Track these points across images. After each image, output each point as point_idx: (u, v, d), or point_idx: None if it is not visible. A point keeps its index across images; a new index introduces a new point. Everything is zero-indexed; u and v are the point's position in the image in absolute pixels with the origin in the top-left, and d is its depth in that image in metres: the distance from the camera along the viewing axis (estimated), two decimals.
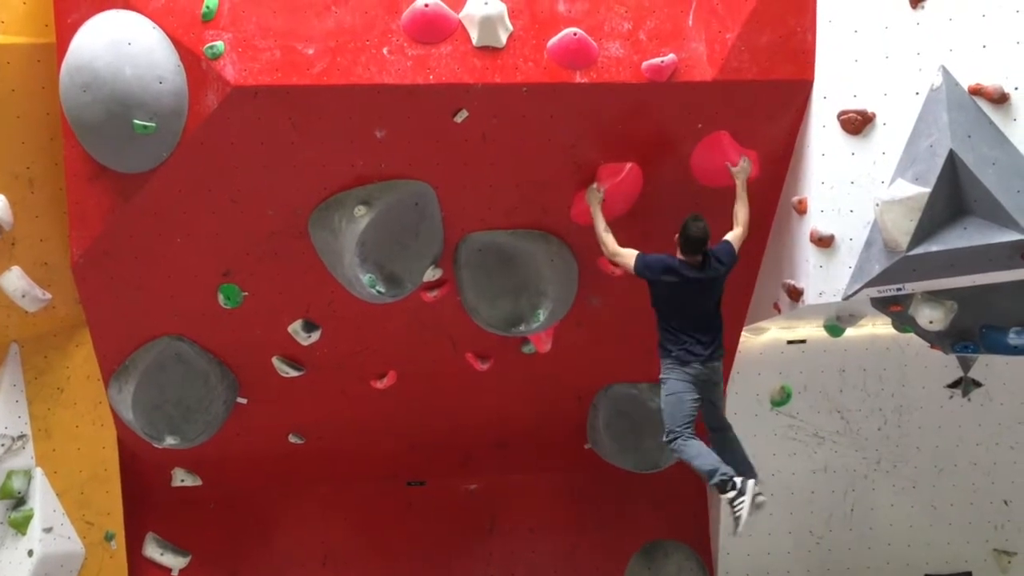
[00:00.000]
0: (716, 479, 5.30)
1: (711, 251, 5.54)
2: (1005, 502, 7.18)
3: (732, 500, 5.25)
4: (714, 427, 5.75)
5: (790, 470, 7.09)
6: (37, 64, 5.74)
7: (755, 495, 5.25)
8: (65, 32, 5.52)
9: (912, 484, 7.15)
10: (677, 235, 5.50)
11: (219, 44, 5.28)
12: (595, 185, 5.82)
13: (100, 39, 5.35)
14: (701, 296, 5.56)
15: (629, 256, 5.60)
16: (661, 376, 5.62)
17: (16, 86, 5.73)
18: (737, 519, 5.24)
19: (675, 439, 5.49)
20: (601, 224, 5.74)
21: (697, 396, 5.55)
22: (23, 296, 6.11)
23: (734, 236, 5.67)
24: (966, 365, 6.79)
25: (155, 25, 5.36)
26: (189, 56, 5.33)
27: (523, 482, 7.50)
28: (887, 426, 7.04)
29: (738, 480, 5.27)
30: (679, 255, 5.53)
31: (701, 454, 5.44)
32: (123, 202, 5.69)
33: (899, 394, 6.97)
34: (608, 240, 5.69)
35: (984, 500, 7.17)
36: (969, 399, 6.95)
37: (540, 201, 6.00)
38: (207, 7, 5.29)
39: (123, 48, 5.30)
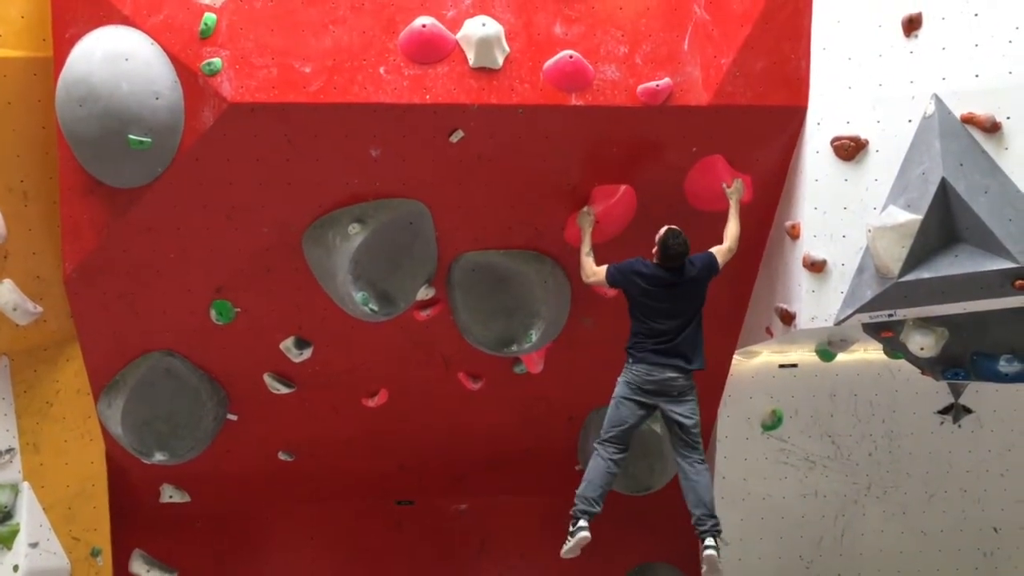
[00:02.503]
0: (575, 508, 5.43)
1: (689, 258, 5.52)
2: (995, 529, 7.18)
3: (570, 531, 5.40)
4: (681, 452, 5.51)
5: (780, 494, 7.07)
6: (34, 78, 5.75)
7: (582, 540, 5.36)
8: (63, 46, 5.53)
9: (902, 510, 7.15)
10: (656, 245, 5.49)
11: (216, 61, 5.29)
12: (587, 208, 5.83)
13: (97, 54, 5.36)
14: (672, 302, 5.47)
15: (601, 271, 5.64)
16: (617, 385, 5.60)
17: (12, 99, 5.73)
18: (568, 541, 5.41)
19: (598, 442, 5.56)
20: (586, 247, 5.76)
21: (639, 404, 5.46)
22: (14, 309, 6.08)
23: (719, 249, 5.66)
24: (957, 392, 6.81)
25: (153, 41, 5.38)
26: (186, 72, 5.35)
27: (513, 503, 7.47)
28: (878, 451, 7.04)
29: (583, 523, 5.37)
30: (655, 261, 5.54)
31: (591, 477, 5.48)
32: (117, 217, 5.69)
33: (890, 420, 6.98)
34: (587, 263, 5.72)
35: (974, 527, 7.16)
36: (960, 426, 6.96)
37: (534, 222, 6.01)
38: (205, 24, 5.31)
39: (120, 63, 5.31)
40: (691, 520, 5.43)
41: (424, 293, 6.14)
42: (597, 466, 5.51)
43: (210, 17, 5.31)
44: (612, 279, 5.61)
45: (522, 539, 7.47)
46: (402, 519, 7.43)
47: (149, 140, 5.37)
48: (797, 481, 7.08)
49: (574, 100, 5.48)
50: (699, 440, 5.53)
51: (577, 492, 5.49)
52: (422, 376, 6.64)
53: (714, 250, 5.66)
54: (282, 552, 7.29)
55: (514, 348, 6.28)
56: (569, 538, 5.41)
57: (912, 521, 7.16)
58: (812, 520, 7.14)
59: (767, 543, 7.08)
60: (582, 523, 5.39)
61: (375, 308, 5.90)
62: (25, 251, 6.05)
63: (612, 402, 5.56)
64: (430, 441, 7.00)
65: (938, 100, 5.27)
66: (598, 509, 5.44)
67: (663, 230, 5.52)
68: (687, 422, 5.47)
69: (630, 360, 5.54)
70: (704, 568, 5.38)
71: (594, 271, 5.70)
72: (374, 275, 5.88)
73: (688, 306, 5.53)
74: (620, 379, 5.55)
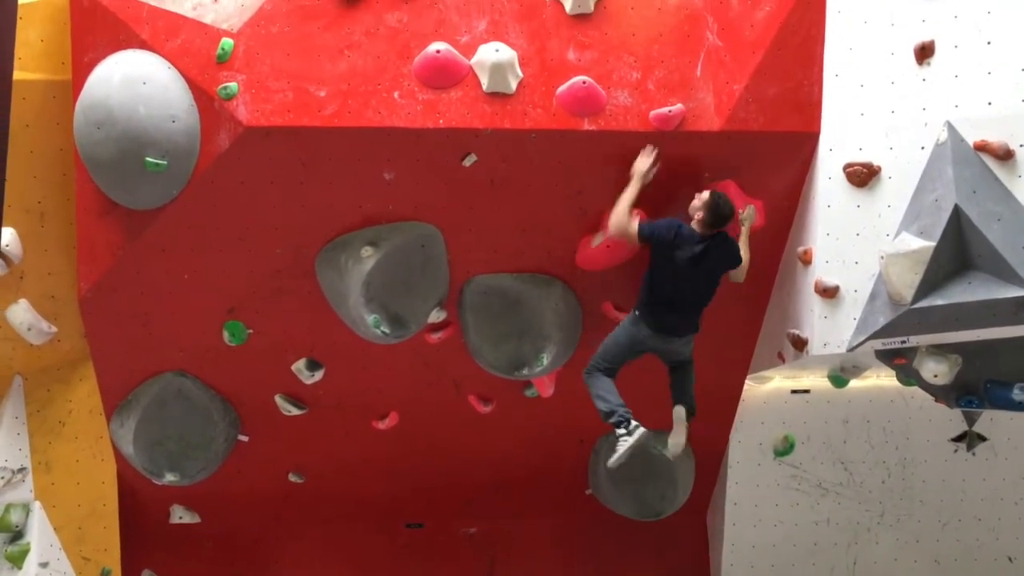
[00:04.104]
0: (613, 419, 5.52)
1: (724, 233, 5.60)
2: (1009, 559, 7.11)
3: (620, 436, 5.49)
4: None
5: (792, 521, 7.03)
6: (52, 100, 5.81)
7: (640, 438, 5.43)
8: (81, 70, 5.59)
9: (915, 539, 7.09)
10: (702, 211, 5.48)
11: (233, 85, 5.35)
12: (650, 158, 5.58)
13: (115, 77, 5.42)
14: (696, 276, 5.56)
15: (633, 223, 5.52)
16: (622, 321, 5.76)
17: (31, 121, 5.79)
18: (614, 452, 5.49)
19: (591, 370, 5.70)
20: (630, 196, 5.51)
21: (638, 354, 5.71)
22: (29, 329, 6.12)
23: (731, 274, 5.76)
24: (971, 419, 6.77)
25: (170, 65, 5.43)
26: (203, 96, 5.40)
27: (523, 527, 7.44)
28: (891, 479, 6.99)
29: (633, 423, 5.47)
30: (694, 225, 5.54)
31: (606, 390, 5.60)
32: (132, 238, 5.73)
33: (903, 447, 6.93)
34: (623, 207, 5.49)
35: (988, 556, 7.10)
36: (974, 453, 6.91)
37: (546, 246, 6.03)
38: (222, 48, 5.37)
39: (138, 87, 5.37)
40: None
41: (435, 316, 6.15)
42: (602, 382, 5.67)
43: (227, 42, 5.37)
44: (646, 231, 5.49)
45: (532, 562, 7.44)
46: (412, 542, 7.41)
47: (165, 163, 5.42)
48: (809, 508, 7.03)
49: (587, 125, 5.51)
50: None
51: (603, 409, 5.61)
52: (433, 399, 6.64)
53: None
54: (291, 573, 7.27)
55: (525, 371, 6.27)
56: (625, 439, 5.45)
57: (925, 549, 7.09)
58: (824, 548, 7.09)
59: (779, 570, 7.03)
60: (635, 422, 5.48)
61: (387, 330, 5.91)
62: (41, 271, 6.09)
63: (613, 341, 5.73)
64: (440, 464, 6.99)
65: (951, 127, 5.27)
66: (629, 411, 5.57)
67: (706, 194, 5.51)
68: (690, 381, 5.84)
69: (638, 319, 5.66)
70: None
71: (626, 216, 5.48)
72: (386, 298, 5.90)
73: (705, 288, 5.65)
74: (627, 325, 5.71)
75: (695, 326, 5.75)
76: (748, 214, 5.80)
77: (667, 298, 5.59)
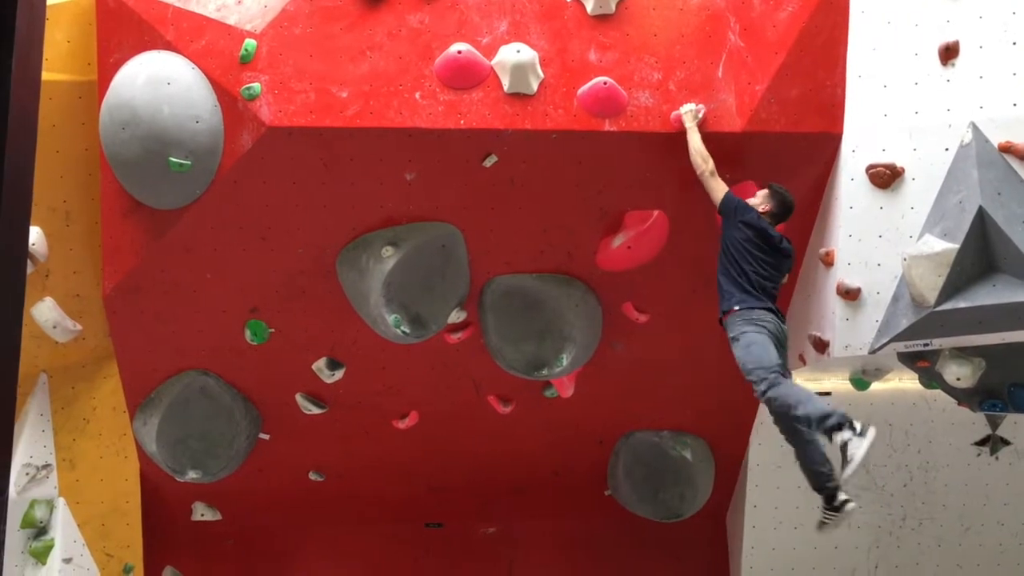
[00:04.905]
0: (833, 420, 4.64)
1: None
2: None
3: (847, 441, 4.62)
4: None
5: (813, 524, 6.97)
6: (78, 101, 5.87)
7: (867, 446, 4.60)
8: (107, 71, 5.65)
9: (938, 543, 7.03)
10: (767, 203, 5.30)
11: (256, 85, 5.38)
12: (693, 108, 5.46)
13: (140, 78, 5.47)
14: (775, 263, 5.26)
15: (715, 183, 5.27)
16: (732, 334, 5.04)
17: (57, 122, 5.84)
18: (849, 460, 4.62)
19: (771, 385, 4.82)
20: (698, 138, 5.32)
21: (780, 346, 5.01)
22: (54, 327, 6.18)
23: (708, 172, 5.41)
24: (994, 423, 6.71)
25: (194, 66, 5.48)
26: (226, 97, 5.44)
27: (543, 526, 7.44)
28: (913, 482, 6.94)
29: (857, 423, 4.63)
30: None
31: (807, 398, 4.75)
32: (156, 238, 5.78)
33: (925, 450, 6.88)
34: (707, 157, 5.27)
35: (1012, 561, 7.02)
36: (997, 457, 6.85)
37: (566, 246, 6.02)
38: (245, 49, 5.41)
39: (162, 88, 5.42)
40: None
41: (456, 316, 6.16)
42: (800, 390, 4.90)
43: (250, 43, 5.40)
44: (729, 207, 5.21)
45: (551, 563, 7.43)
46: (431, 541, 7.43)
47: (189, 163, 5.46)
48: None
49: (608, 126, 5.50)
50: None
51: (814, 415, 4.73)
52: (453, 399, 6.66)
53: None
54: (311, 572, 7.30)
55: (545, 372, 6.27)
56: (858, 440, 4.60)
57: (948, 554, 7.03)
58: (845, 551, 7.04)
59: (799, 573, 6.99)
60: (856, 422, 4.63)
61: (407, 330, 5.93)
62: (66, 270, 6.16)
63: (753, 346, 4.96)
64: (460, 464, 7.00)
65: (975, 128, 5.23)
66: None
67: (769, 187, 5.36)
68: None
69: (747, 307, 5.06)
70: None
71: (713, 171, 5.24)
72: (406, 298, 5.91)
73: (781, 277, 5.31)
74: (746, 330, 5.01)
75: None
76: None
77: (759, 278, 5.15)
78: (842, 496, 5.00)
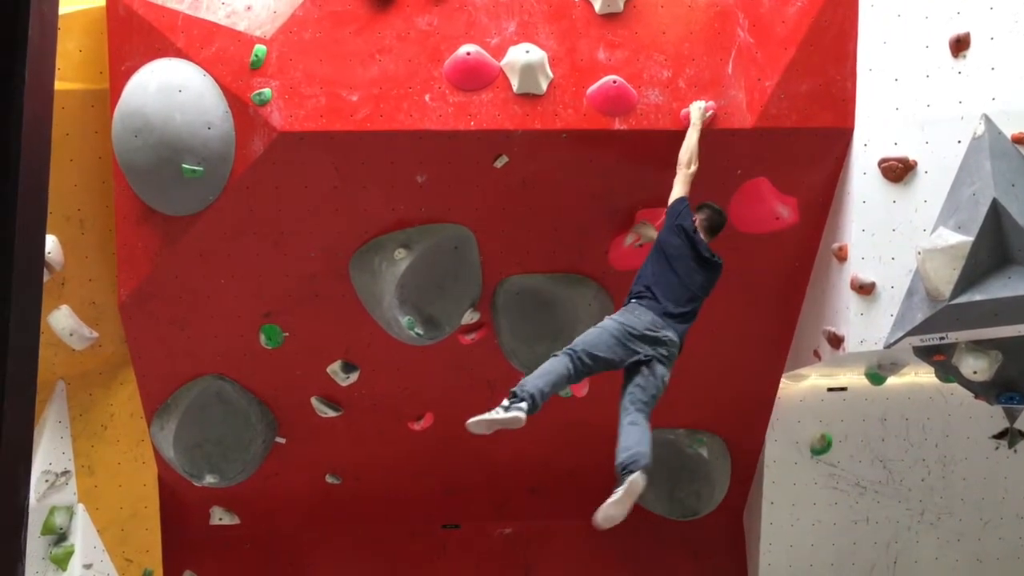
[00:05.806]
0: (516, 389, 4.86)
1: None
2: None
3: (505, 405, 4.83)
4: (635, 405, 5.09)
5: (831, 520, 6.96)
6: (91, 109, 5.90)
7: (511, 416, 4.77)
8: (119, 79, 5.68)
9: (957, 537, 6.99)
10: (698, 217, 5.29)
11: (266, 91, 5.41)
12: (703, 105, 5.48)
13: (152, 86, 5.50)
14: (699, 276, 5.26)
15: (683, 185, 5.27)
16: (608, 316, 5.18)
17: (70, 130, 5.88)
18: (487, 413, 4.85)
19: (560, 352, 5.02)
20: (696, 137, 5.35)
21: (625, 350, 5.02)
22: (71, 334, 6.22)
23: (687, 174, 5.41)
24: (1012, 416, 6.66)
25: (205, 73, 5.51)
26: (237, 103, 5.47)
27: (559, 527, 7.43)
28: (931, 477, 6.91)
29: (523, 403, 4.79)
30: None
31: (544, 372, 4.94)
32: (170, 244, 5.82)
33: (943, 444, 6.84)
34: (694, 160, 5.30)
35: None
36: (1015, 451, 6.80)
37: (578, 246, 6.03)
38: (255, 55, 5.43)
39: (174, 95, 5.45)
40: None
41: (469, 317, 6.17)
42: (556, 368, 4.97)
43: (260, 49, 5.43)
44: (675, 212, 5.23)
45: (568, 563, 7.43)
46: (448, 543, 7.44)
47: (201, 169, 5.49)
48: (848, 507, 6.95)
49: (618, 124, 5.50)
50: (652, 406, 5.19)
51: (524, 380, 4.95)
52: (467, 399, 6.62)
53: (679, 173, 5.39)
54: (329, 574, 7.32)
55: None
56: (499, 412, 4.82)
57: (967, 548, 7.00)
58: (864, 547, 7.01)
59: (817, 570, 6.96)
60: (523, 405, 4.79)
61: (420, 332, 5.94)
62: (81, 278, 6.19)
63: (598, 329, 5.10)
64: (476, 465, 7.00)
65: (988, 120, 5.20)
66: (538, 406, 4.89)
67: (706, 207, 5.34)
68: (660, 385, 5.13)
69: (633, 302, 5.17)
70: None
71: (690, 163, 5.28)
72: (419, 299, 5.93)
73: (701, 290, 5.28)
74: (616, 318, 5.12)
75: (684, 326, 5.30)
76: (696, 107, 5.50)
77: (669, 284, 5.21)
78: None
